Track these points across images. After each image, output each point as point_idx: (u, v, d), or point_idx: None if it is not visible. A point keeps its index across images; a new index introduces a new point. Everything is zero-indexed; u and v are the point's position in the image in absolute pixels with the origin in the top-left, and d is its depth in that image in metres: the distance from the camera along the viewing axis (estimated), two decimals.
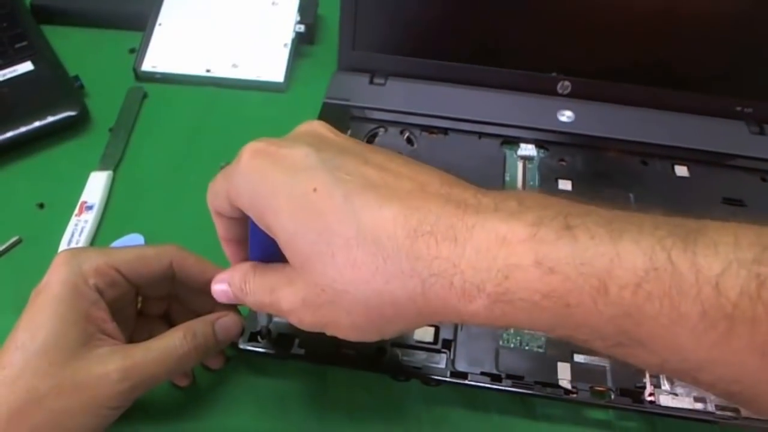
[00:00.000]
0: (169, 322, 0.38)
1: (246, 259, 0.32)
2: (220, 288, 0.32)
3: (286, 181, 0.27)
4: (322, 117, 0.50)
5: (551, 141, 0.49)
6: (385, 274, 0.25)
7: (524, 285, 0.23)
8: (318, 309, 0.27)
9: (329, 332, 0.28)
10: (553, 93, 0.51)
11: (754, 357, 0.21)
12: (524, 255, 0.23)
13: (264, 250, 0.30)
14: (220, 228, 0.32)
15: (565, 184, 0.46)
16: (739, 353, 0.21)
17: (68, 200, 0.46)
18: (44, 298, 0.32)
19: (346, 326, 0.27)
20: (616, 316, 0.22)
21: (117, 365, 0.31)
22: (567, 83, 0.50)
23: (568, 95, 0.51)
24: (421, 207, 0.25)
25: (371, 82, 0.52)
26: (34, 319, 0.31)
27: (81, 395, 0.30)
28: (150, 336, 0.35)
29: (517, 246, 0.24)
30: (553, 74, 0.50)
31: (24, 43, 0.54)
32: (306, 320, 0.28)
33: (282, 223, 0.27)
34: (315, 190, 0.26)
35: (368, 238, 0.25)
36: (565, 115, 0.50)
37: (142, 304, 0.37)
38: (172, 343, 0.33)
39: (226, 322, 0.35)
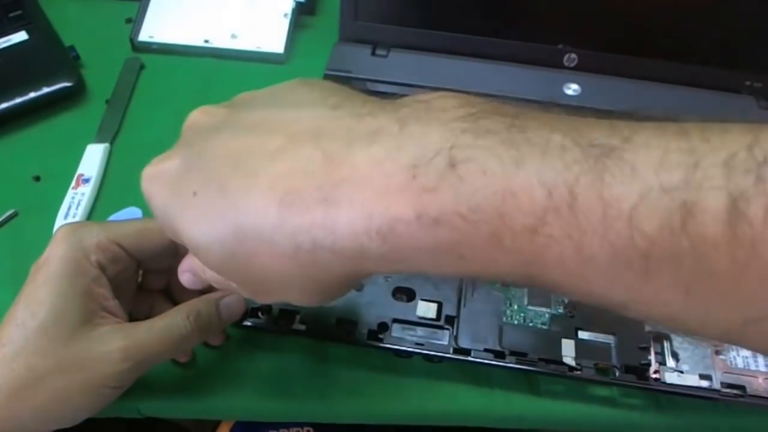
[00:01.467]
0: (169, 296, 0.37)
1: None
2: (186, 277, 0.31)
3: (169, 194, 0.26)
4: None
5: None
6: (281, 256, 0.23)
7: (408, 242, 0.21)
8: (261, 296, 0.27)
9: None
10: (559, 66, 0.50)
11: (678, 296, 0.19)
12: (403, 208, 0.21)
13: None
14: None
15: None
16: (661, 293, 0.19)
17: (65, 173, 0.45)
18: (44, 274, 0.31)
19: (293, 298, 0.26)
20: (516, 264, 0.20)
21: (119, 344, 0.31)
22: (573, 55, 0.49)
23: (575, 68, 0.50)
24: (286, 170, 0.23)
25: (373, 53, 0.51)
26: (35, 295, 0.31)
27: (82, 374, 0.30)
28: (150, 311, 0.35)
29: (394, 197, 0.21)
30: (560, 46, 0.49)
31: (18, 12, 0.53)
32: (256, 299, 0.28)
33: (184, 236, 0.25)
34: (195, 193, 0.24)
35: (250, 228, 0.23)
36: (572, 89, 0.49)
37: (143, 279, 0.36)
38: (174, 323, 0.32)
39: (230, 301, 0.35)
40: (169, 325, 0.32)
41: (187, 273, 0.31)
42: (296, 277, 0.24)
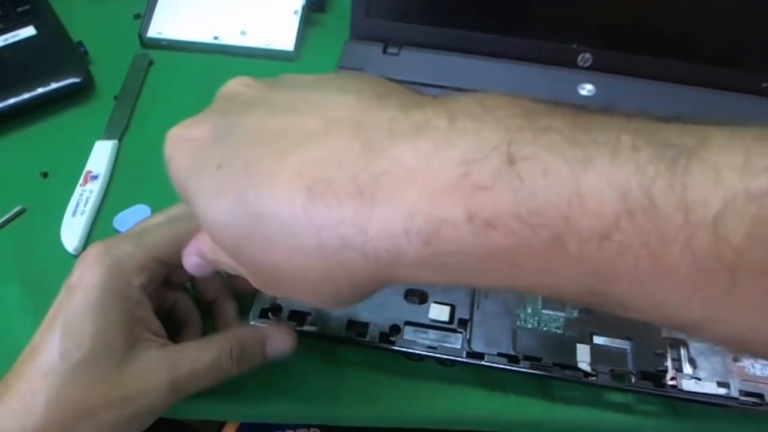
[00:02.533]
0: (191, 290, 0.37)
1: None
2: (192, 260, 0.30)
3: (192, 162, 0.24)
4: None
5: None
6: (301, 252, 0.21)
7: (455, 247, 0.19)
8: (270, 289, 0.25)
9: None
10: (573, 65, 0.49)
11: (765, 316, 0.17)
12: (451, 207, 0.18)
13: None
14: None
15: None
16: (745, 312, 0.17)
17: (73, 169, 0.45)
18: (85, 302, 0.30)
19: (304, 298, 0.24)
20: (580, 275, 0.18)
21: (165, 377, 0.30)
22: (588, 55, 0.49)
23: (589, 68, 0.49)
24: (319, 157, 0.20)
25: (384, 51, 0.50)
26: (76, 323, 0.30)
27: (130, 407, 0.30)
28: (174, 306, 0.35)
29: (442, 195, 0.18)
30: (574, 46, 0.49)
31: (26, 7, 0.52)
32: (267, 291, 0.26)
33: (199, 209, 0.23)
34: (219, 166, 0.22)
35: (270, 215, 0.21)
36: (586, 89, 0.48)
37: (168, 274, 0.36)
38: (218, 358, 0.32)
39: (278, 341, 0.34)
40: (216, 359, 0.32)
41: (194, 256, 0.30)
42: (313, 276, 0.22)
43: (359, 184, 0.20)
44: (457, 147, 0.19)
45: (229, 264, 0.26)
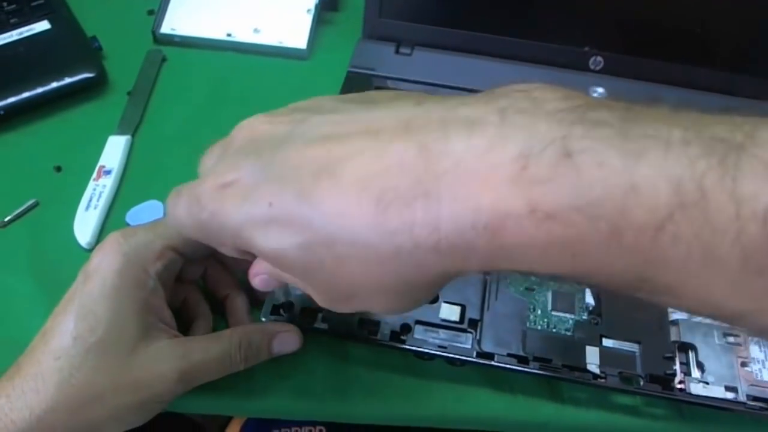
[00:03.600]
0: (202, 285, 0.37)
1: None
2: (261, 279, 0.29)
3: (240, 212, 0.24)
4: (345, 86, 0.49)
5: None
6: (377, 262, 0.22)
7: (519, 239, 0.19)
8: (341, 304, 0.26)
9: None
10: (585, 68, 0.49)
11: None
12: (513, 201, 0.19)
13: None
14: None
15: None
16: None
17: (86, 164, 0.45)
18: (100, 287, 0.30)
19: (379, 307, 0.25)
20: (634, 264, 0.19)
21: (176, 365, 0.31)
22: (600, 59, 0.49)
23: (600, 71, 0.49)
24: (379, 169, 0.21)
25: (397, 51, 0.50)
26: (91, 308, 0.30)
27: (140, 393, 0.30)
28: (184, 301, 0.35)
29: (504, 190, 0.19)
30: (586, 49, 0.49)
31: (41, 1, 0.52)
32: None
33: (263, 250, 0.24)
34: (270, 204, 0.23)
35: (337, 234, 0.22)
36: (597, 92, 0.48)
37: (181, 270, 0.36)
38: (227, 350, 0.32)
39: (286, 339, 0.35)
40: (224, 352, 0.32)
41: (262, 276, 0.29)
42: (390, 282, 0.23)
43: (425, 186, 0.20)
44: (514, 141, 0.19)
45: (295, 282, 0.26)
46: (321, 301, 0.26)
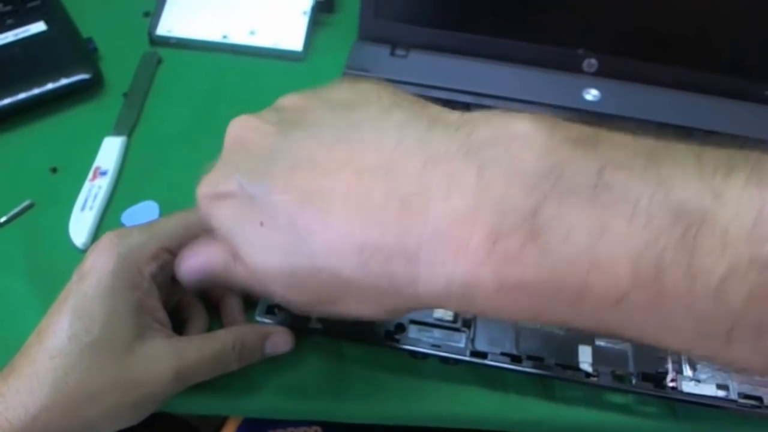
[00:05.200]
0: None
1: None
2: (195, 278, 0.31)
3: (233, 221, 0.26)
4: None
5: (575, 120, 0.48)
6: (358, 298, 0.24)
7: (488, 303, 0.21)
8: (321, 311, 0.27)
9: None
10: (578, 70, 0.49)
11: (760, 359, 0.19)
12: (483, 274, 0.20)
13: None
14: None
15: None
16: (742, 358, 0.19)
17: (81, 165, 0.45)
18: (95, 288, 0.31)
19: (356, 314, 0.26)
20: (596, 325, 0.21)
21: (171, 365, 0.31)
22: (593, 61, 0.49)
23: (594, 73, 0.49)
24: (362, 218, 0.22)
25: (392, 53, 0.51)
26: (86, 308, 0.30)
27: (135, 393, 0.30)
28: (178, 302, 0.35)
29: (476, 264, 0.20)
30: (579, 51, 0.49)
31: (37, 2, 0.52)
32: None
33: (249, 260, 0.26)
34: (261, 224, 0.24)
35: (326, 267, 0.23)
36: (591, 94, 0.49)
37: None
38: (221, 349, 0.33)
39: (278, 340, 0.35)
40: (219, 352, 0.33)
41: (199, 273, 0.31)
42: (368, 306, 0.24)
43: (404, 246, 0.22)
44: (487, 212, 0.20)
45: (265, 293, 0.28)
46: (300, 307, 0.27)
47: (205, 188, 0.27)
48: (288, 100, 0.28)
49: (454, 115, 0.23)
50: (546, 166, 0.20)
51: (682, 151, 0.20)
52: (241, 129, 0.27)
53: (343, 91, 0.26)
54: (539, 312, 0.21)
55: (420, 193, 0.21)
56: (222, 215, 0.26)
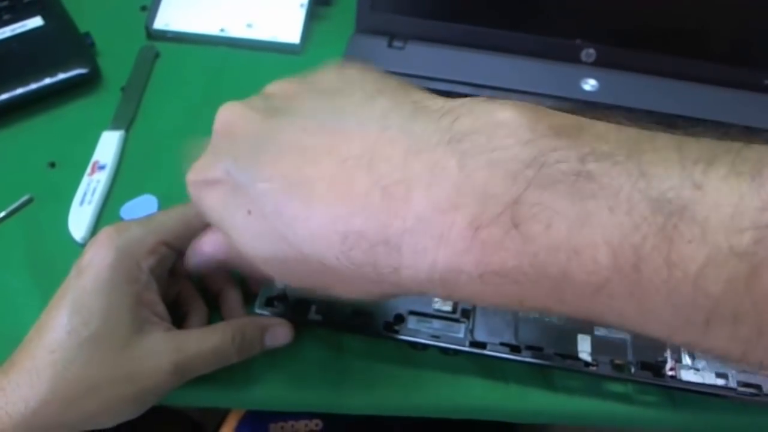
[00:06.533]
0: (196, 279, 0.37)
1: None
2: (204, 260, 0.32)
3: (222, 208, 0.26)
4: None
5: (574, 110, 0.47)
6: (343, 281, 0.24)
7: (471, 289, 0.21)
8: (312, 289, 0.27)
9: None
10: (576, 61, 0.49)
11: (737, 346, 0.19)
12: (465, 261, 0.20)
13: None
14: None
15: None
16: (719, 345, 0.19)
17: (80, 160, 0.45)
18: (94, 282, 0.31)
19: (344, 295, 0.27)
20: (577, 311, 0.21)
21: (170, 358, 0.31)
22: (591, 51, 0.49)
23: (593, 63, 0.49)
24: (346, 208, 0.22)
25: (390, 45, 0.50)
26: (84, 303, 0.30)
27: (134, 386, 0.30)
28: (177, 296, 0.35)
29: (457, 251, 0.20)
30: (577, 41, 0.49)
31: None
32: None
33: (239, 245, 0.26)
34: (249, 212, 0.25)
35: (313, 254, 0.23)
36: (589, 84, 0.48)
37: (175, 263, 0.36)
38: (221, 342, 0.33)
39: (278, 332, 0.35)
40: (216, 343, 0.33)
41: (206, 255, 0.31)
42: (356, 287, 0.25)
43: (386, 234, 0.22)
44: (469, 202, 0.20)
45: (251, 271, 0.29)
46: (293, 285, 0.28)
47: (193, 175, 0.28)
48: (275, 87, 0.28)
49: (438, 103, 0.23)
50: (529, 155, 0.20)
51: (664, 141, 0.20)
52: (229, 116, 0.27)
53: (329, 78, 0.26)
54: (521, 299, 0.21)
55: (402, 182, 0.21)
56: (211, 202, 0.27)
